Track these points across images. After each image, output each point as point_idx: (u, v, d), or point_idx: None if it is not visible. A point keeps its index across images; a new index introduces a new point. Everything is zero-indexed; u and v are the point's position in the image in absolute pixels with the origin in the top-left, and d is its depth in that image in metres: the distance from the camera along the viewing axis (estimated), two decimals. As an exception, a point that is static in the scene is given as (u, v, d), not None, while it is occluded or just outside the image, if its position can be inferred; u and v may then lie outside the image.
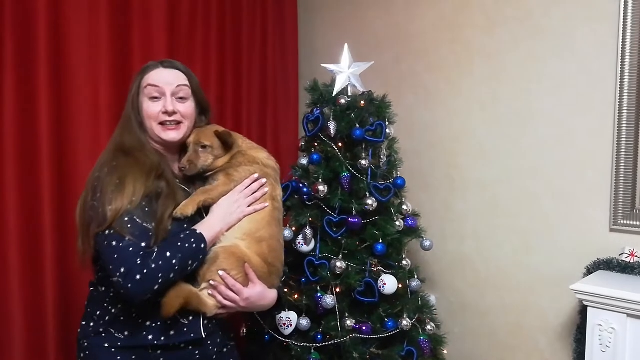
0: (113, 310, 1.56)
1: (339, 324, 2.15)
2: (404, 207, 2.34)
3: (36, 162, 2.10)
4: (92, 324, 1.58)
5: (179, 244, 1.51)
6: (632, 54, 2.09)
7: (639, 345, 1.89)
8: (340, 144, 2.27)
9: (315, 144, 2.32)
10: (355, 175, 2.24)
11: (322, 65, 2.39)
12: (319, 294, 2.15)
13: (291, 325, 2.19)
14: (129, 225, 1.44)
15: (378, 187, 2.27)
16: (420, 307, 2.32)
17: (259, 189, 1.71)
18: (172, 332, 1.56)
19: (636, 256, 2.09)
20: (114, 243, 1.43)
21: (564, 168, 2.30)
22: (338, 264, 2.14)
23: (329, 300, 2.12)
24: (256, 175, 1.71)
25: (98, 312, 1.58)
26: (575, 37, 2.25)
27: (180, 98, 1.63)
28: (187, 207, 1.57)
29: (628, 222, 2.13)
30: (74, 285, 2.21)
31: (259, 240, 1.68)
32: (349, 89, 2.34)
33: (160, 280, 1.45)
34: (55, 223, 2.14)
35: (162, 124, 1.60)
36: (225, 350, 1.75)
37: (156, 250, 1.46)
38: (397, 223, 2.28)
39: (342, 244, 2.22)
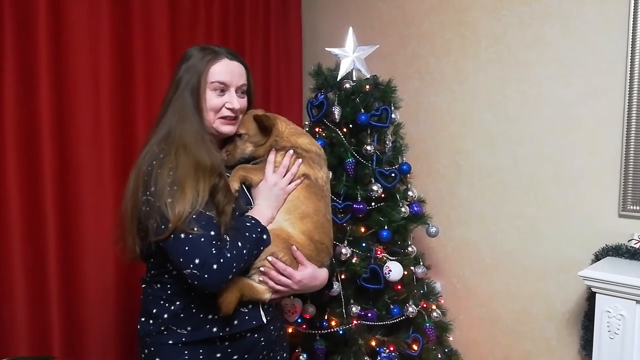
0: (172, 308, 1.53)
1: (344, 310, 2.14)
2: (410, 193, 2.32)
3: (37, 152, 2.09)
4: (151, 322, 1.55)
5: (247, 233, 1.50)
6: (643, 37, 2.05)
7: (648, 332, 1.88)
8: (344, 129, 2.24)
9: (320, 130, 2.28)
10: (360, 161, 2.21)
11: (326, 49, 2.35)
12: (324, 281, 2.14)
13: (296, 312, 2.18)
14: (194, 217, 1.41)
15: (383, 173, 2.24)
16: (426, 294, 2.32)
17: (293, 164, 1.66)
18: (235, 322, 1.54)
19: (645, 242, 2.07)
20: (182, 236, 1.40)
21: (572, 153, 2.27)
22: (343, 250, 2.13)
23: (334, 287, 2.11)
24: (291, 152, 1.66)
25: (155, 310, 1.55)
26: (584, 20, 2.21)
27: (241, 93, 1.63)
28: (232, 182, 1.58)
29: (637, 208, 2.11)
30: (77, 278, 2.21)
31: (302, 217, 1.64)
32: (354, 73, 2.30)
33: (234, 270, 1.44)
34: (58, 215, 2.13)
35: (221, 117, 1.60)
36: (282, 332, 1.75)
37: (228, 239, 1.45)
38: (403, 209, 2.26)
39: (347, 230, 2.20)
